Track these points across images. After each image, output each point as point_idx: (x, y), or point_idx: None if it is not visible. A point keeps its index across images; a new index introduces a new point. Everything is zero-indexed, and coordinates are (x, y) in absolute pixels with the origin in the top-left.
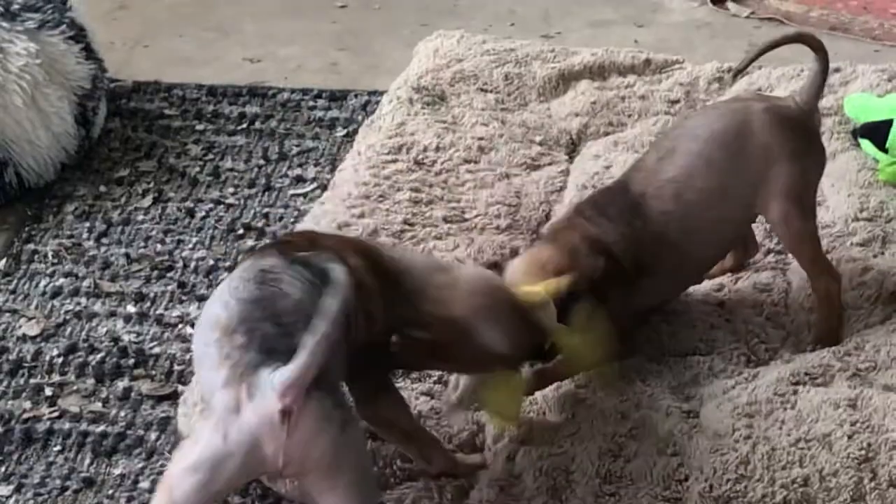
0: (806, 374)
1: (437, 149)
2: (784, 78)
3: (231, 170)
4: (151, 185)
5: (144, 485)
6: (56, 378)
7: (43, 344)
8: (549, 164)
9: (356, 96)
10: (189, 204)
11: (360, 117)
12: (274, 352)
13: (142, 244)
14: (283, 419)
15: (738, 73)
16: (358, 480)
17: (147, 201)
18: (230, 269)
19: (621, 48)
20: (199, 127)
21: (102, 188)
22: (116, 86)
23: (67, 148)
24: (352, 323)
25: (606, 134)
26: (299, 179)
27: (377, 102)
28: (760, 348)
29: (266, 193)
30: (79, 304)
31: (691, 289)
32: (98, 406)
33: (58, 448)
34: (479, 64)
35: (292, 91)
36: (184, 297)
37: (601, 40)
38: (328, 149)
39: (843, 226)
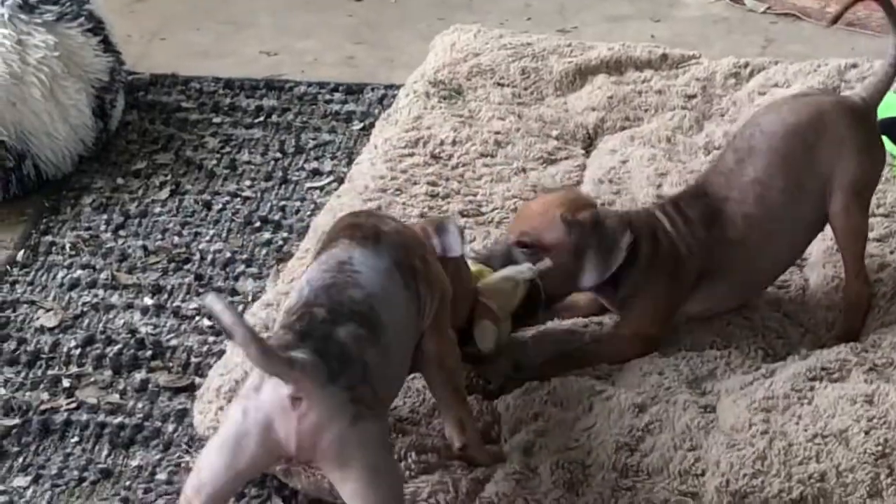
0: (823, 369)
1: (454, 143)
2: (801, 73)
3: (248, 163)
4: (169, 177)
5: (161, 476)
6: (73, 369)
7: (60, 335)
8: (566, 158)
9: (373, 90)
10: (206, 196)
11: (376, 111)
12: (308, 336)
13: (159, 236)
14: (293, 404)
15: (835, 20)
16: (369, 477)
17: (164, 194)
18: (247, 262)
19: (638, 43)
20: (217, 120)
21: (120, 180)
22: (134, 78)
23: (85, 140)
24: (422, 309)
25: (623, 128)
26: (316, 173)
27: (394, 96)
28: (778, 344)
29: (283, 186)
30: (96, 295)
31: None
32: (115, 398)
33: (75, 439)
34: (496, 58)
35: (309, 84)
36: (201, 290)
37: (617, 35)
38: (345, 142)
39: None
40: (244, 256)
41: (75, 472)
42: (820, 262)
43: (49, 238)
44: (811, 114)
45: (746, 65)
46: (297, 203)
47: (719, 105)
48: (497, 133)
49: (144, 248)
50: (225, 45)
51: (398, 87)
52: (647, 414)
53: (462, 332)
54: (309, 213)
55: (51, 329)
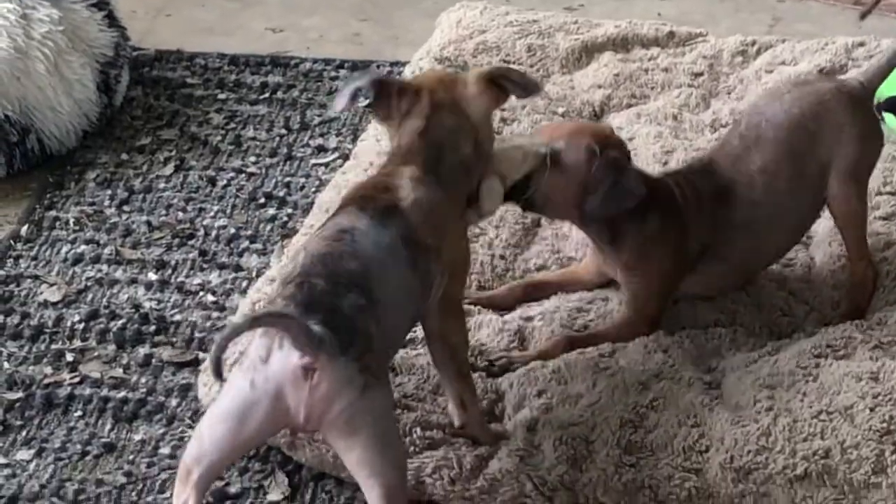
0: (828, 346)
1: None
2: (808, 52)
3: (253, 139)
4: (173, 153)
5: (165, 450)
6: (77, 344)
7: (64, 310)
8: None
9: (378, 67)
10: (210, 172)
11: None
12: (314, 308)
13: (163, 212)
14: (305, 375)
15: (865, 14)
16: (375, 445)
17: (169, 169)
18: (251, 238)
19: (644, 20)
20: (222, 96)
21: (124, 156)
22: (139, 54)
23: (89, 115)
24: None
25: (629, 106)
26: (321, 149)
27: (399, 73)
28: (783, 321)
29: (287, 163)
30: (100, 270)
31: None
32: (119, 372)
33: (78, 413)
34: (502, 35)
35: (314, 61)
36: (205, 265)
37: (624, 12)
38: (350, 119)
39: (868, 200)
40: (248, 232)
41: (78, 446)
42: (826, 240)
43: (53, 213)
44: (813, 103)
45: (753, 43)
46: (302, 179)
47: (726, 83)
48: (503, 110)
49: (148, 223)
50: (230, 22)
51: (404, 65)
52: (651, 390)
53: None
54: (314, 189)
55: (54, 304)
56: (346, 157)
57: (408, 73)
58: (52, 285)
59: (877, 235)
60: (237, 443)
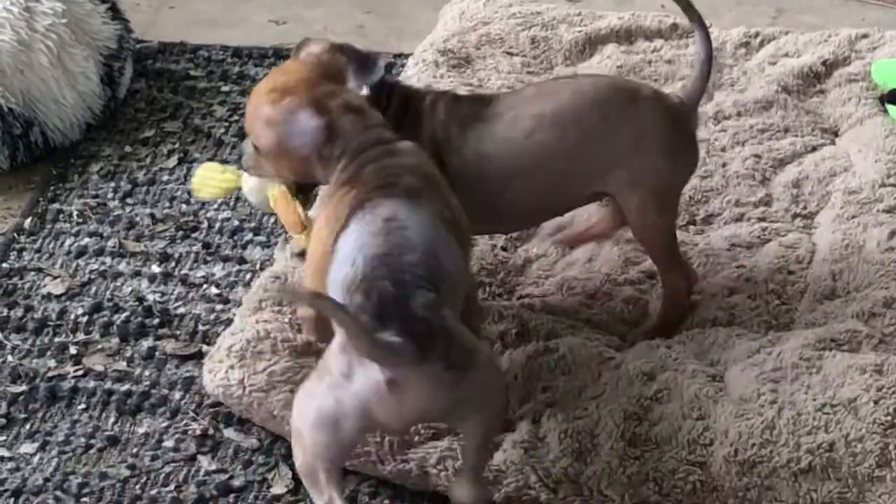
0: (832, 339)
1: None
2: (811, 43)
3: None
4: (177, 145)
5: (169, 444)
6: (81, 337)
7: (68, 303)
8: None
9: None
10: None
11: None
12: (387, 317)
13: (167, 204)
14: (390, 389)
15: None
16: (485, 421)
17: (172, 162)
18: (255, 231)
19: (648, 12)
20: (225, 88)
21: (128, 148)
22: (142, 46)
23: (93, 108)
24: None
25: None
26: None
27: (403, 65)
28: (781, 310)
29: None
30: (104, 263)
31: (711, 249)
32: (123, 365)
33: (82, 406)
34: (506, 27)
35: None
36: (208, 258)
37: (628, 4)
38: None
39: (871, 192)
40: (252, 225)
41: (82, 439)
42: (829, 229)
43: (56, 206)
44: (623, 98)
45: (757, 34)
46: None
47: (729, 75)
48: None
49: (152, 216)
50: (233, 14)
51: (407, 56)
52: (655, 382)
53: None
54: None
55: (58, 296)
56: None
57: (411, 65)
58: (55, 278)
59: (881, 226)
60: (340, 445)
